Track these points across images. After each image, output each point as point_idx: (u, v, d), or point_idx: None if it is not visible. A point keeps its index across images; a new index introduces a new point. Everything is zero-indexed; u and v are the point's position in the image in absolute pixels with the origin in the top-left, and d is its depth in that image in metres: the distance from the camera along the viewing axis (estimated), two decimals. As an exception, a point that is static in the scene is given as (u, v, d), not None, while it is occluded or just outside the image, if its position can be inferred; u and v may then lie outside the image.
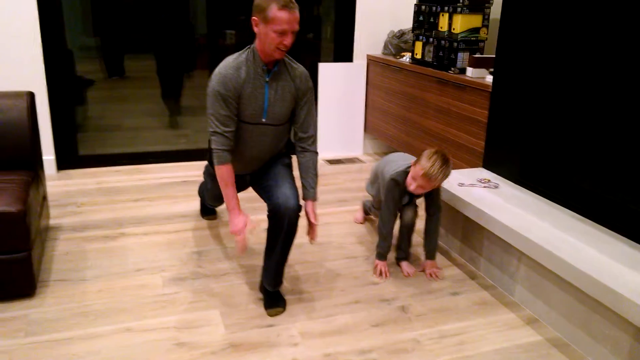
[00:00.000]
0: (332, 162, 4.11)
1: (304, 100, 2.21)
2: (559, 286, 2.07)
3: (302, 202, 2.17)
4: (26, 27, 3.33)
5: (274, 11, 1.94)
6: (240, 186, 2.44)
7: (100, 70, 6.54)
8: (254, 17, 2.04)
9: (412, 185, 2.32)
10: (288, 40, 2.00)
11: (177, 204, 3.22)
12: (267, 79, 2.11)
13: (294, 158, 2.32)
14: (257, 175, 2.32)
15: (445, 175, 2.28)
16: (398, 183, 2.39)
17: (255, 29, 2.05)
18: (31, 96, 2.59)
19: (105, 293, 2.28)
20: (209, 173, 2.53)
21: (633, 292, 1.75)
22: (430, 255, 2.51)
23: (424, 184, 2.29)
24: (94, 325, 2.06)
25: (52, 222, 2.91)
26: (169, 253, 2.63)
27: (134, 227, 2.90)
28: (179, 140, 4.67)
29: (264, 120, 2.15)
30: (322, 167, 4.00)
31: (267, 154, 2.28)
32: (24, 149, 2.52)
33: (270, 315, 2.17)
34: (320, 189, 3.57)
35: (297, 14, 1.99)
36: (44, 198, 2.70)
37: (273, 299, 2.22)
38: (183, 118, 5.12)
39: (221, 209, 3.12)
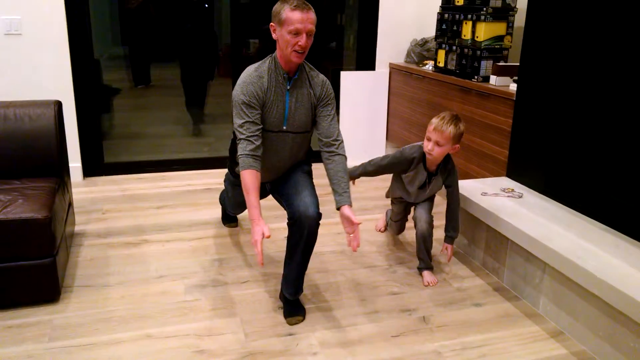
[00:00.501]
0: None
1: (326, 108, 2.20)
2: (583, 298, 2.02)
3: (338, 207, 2.14)
4: (55, 38, 3.41)
5: (287, 12, 1.98)
6: (261, 194, 2.44)
7: (126, 79, 6.69)
8: (271, 24, 2.08)
9: (428, 146, 2.33)
10: (303, 41, 2.00)
11: (199, 211, 3.24)
12: (288, 87, 2.12)
13: (319, 165, 2.30)
14: (277, 183, 2.32)
15: (456, 127, 2.29)
16: (404, 152, 2.44)
17: (274, 35, 2.08)
18: (59, 105, 2.65)
19: (127, 299, 2.31)
20: (230, 181, 2.54)
21: (662, 306, 1.70)
22: (448, 237, 2.52)
23: (437, 137, 2.28)
24: (116, 331, 2.09)
25: (77, 228, 2.96)
26: (191, 260, 2.65)
27: (156, 234, 2.93)
28: (202, 148, 4.72)
29: (284, 128, 2.16)
30: (344, 176, 3.98)
31: (288, 162, 2.28)
32: (51, 157, 2.57)
33: (290, 324, 2.17)
34: (341, 197, 3.56)
35: (311, 14, 2.01)
36: (70, 205, 2.75)
37: (293, 307, 2.21)
38: (206, 126, 5.18)
39: (242, 216, 3.14)
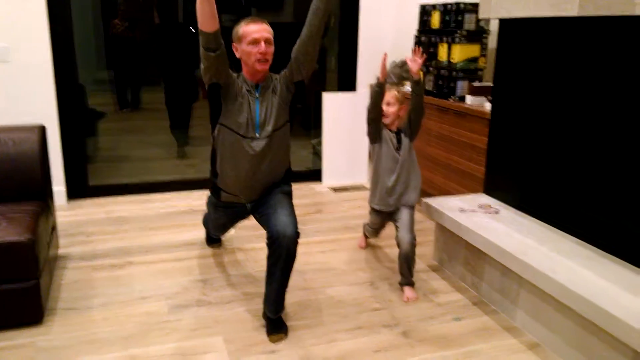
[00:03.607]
0: (337, 189, 4.16)
1: (295, 65, 2.26)
2: (557, 310, 2.08)
3: None
4: (41, 65, 3.45)
5: (243, 27, 2.19)
6: (241, 215, 2.50)
7: (112, 103, 6.73)
8: (233, 44, 2.24)
9: (386, 113, 2.57)
10: (262, 48, 2.16)
11: (183, 232, 3.27)
12: (257, 95, 2.25)
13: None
14: (257, 203, 2.37)
15: (398, 91, 2.59)
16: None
17: (237, 54, 2.24)
18: (42, 130, 2.69)
19: (111, 320, 2.32)
20: (212, 202, 2.59)
21: (630, 315, 1.76)
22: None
23: (387, 98, 2.55)
24: (100, 353, 2.10)
25: (61, 251, 2.97)
26: (174, 281, 2.68)
27: (140, 255, 2.95)
28: (187, 169, 4.76)
29: (257, 135, 2.24)
30: (327, 195, 4.05)
31: (267, 177, 2.33)
32: (35, 181, 2.60)
33: (273, 341, 2.20)
34: (324, 216, 3.61)
35: (265, 25, 2.20)
36: (54, 228, 2.77)
37: (275, 325, 2.25)
38: (191, 148, 5.22)
39: (226, 237, 3.17)
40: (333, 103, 4.16)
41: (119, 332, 2.24)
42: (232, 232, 3.24)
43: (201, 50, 2.09)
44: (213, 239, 3.07)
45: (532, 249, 2.27)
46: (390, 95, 2.59)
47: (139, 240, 3.16)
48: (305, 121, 5.29)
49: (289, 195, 2.38)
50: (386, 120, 2.60)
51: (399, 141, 2.60)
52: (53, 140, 3.58)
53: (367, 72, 4.21)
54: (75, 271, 2.76)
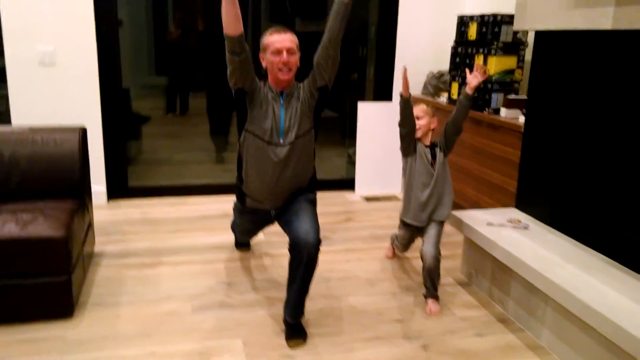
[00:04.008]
0: (369, 199, 4.15)
1: (317, 71, 2.28)
2: (582, 330, 2.01)
3: None
4: (86, 69, 3.62)
5: (267, 38, 2.26)
6: (266, 221, 2.54)
7: (159, 108, 6.93)
8: (260, 54, 2.31)
9: (418, 126, 2.55)
10: (284, 58, 2.21)
11: (213, 235, 3.34)
12: (282, 101, 2.29)
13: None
14: (281, 210, 2.40)
15: (427, 105, 2.61)
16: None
17: (263, 64, 2.30)
18: (83, 131, 2.81)
19: (136, 318, 2.40)
20: (237, 208, 2.64)
21: (656, 340, 1.69)
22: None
23: (416, 112, 2.55)
24: (123, 348, 2.17)
25: (97, 248, 3.09)
26: (200, 282, 2.73)
27: (171, 256, 3.03)
28: (223, 174, 4.85)
29: (281, 141, 2.27)
30: (358, 204, 4.05)
31: (290, 183, 2.36)
32: (74, 180, 2.72)
33: (291, 346, 2.21)
34: (353, 225, 3.61)
35: (288, 35, 2.25)
36: (90, 225, 2.88)
37: (294, 330, 2.26)
38: (229, 154, 5.32)
39: (254, 241, 3.21)
40: (368, 112, 4.17)
41: (143, 329, 2.31)
42: (261, 237, 3.28)
43: (227, 54, 2.15)
44: (242, 243, 3.12)
45: (557, 266, 2.21)
46: (419, 109, 2.58)
47: (171, 241, 3.24)
48: (343, 130, 5.31)
49: (312, 203, 2.40)
50: (418, 134, 2.58)
51: (434, 156, 2.57)
52: (96, 142, 3.74)
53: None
54: (108, 268, 2.86)
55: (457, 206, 3.53)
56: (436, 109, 2.63)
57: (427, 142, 2.59)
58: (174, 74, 6.17)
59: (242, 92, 2.25)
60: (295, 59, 2.27)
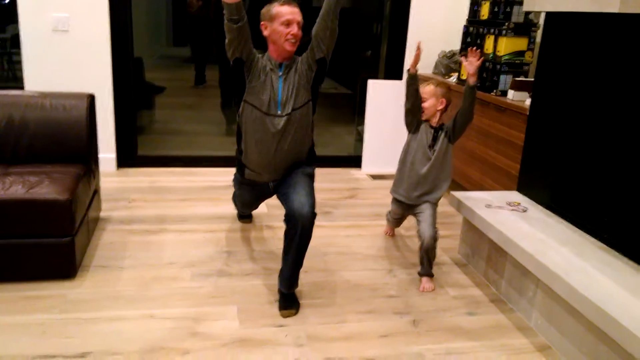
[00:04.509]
0: (375, 177, 4.17)
1: (316, 44, 2.29)
2: (570, 314, 2.03)
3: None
4: (99, 36, 3.66)
5: (277, 7, 2.26)
6: (265, 194, 2.58)
7: (176, 79, 6.96)
8: (262, 23, 2.30)
9: (423, 108, 2.53)
10: (294, 30, 2.24)
11: (218, 206, 3.40)
12: (280, 74, 2.31)
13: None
14: (279, 183, 2.44)
15: (435, 86, 2.55)
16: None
17: (265, 33, 2.31)
18: (91, 98, 2.86)
19: (137, 281, 2.47)
20: (237, 179, 2.68)
21: (639, 326, 1.71)
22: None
23: (425, 95, 2.52)
24: (122, 309, 2.25)
25: (103, 214, 3.16)
26: (201, 250, 2.80)
27: (175, 224, 3.10)
28: (232, 146, 4.87)
29: (279, 112, 2.30)
30: (365, 182, 4.07)
31: (288, 155, 2.39)
32: (81, 145, 2.78)
33: (283, 316, 2.27)
34: (356, 202, 3.64)
35: (297, 8, 2.27)
36: (96, 191, 2.95)
37: (287, 300, 2.32)
38: (239, 126, 5.36)
39: (256, 212, 3.26)
40: (378, 90, 4.16)
41: (142, 292, 2.38)
42: (264, 209, 3.33)
43: (225, 22, 2.17)
44: (243, 215, 3.17)
45: (551, 250, 2.22)
46: (426, 90, 2.55)
47: (176, 210, 3.31)
48: (354, 107, 5.31)
49: (310, 176, 2.43)
50: (424, 116, 2.56)
51: (435, 139, 2.56)
52: (106, 110, 3.80)
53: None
54: (113, 233, 2.93)
55: (461, 187, 3.53)
56: (445, 88, 2.59)
57: (435, 122, 2.57)
58: (197, 45, 6.19)
59: (240, 61, 2.27)
60: (301, 34, 2.30)
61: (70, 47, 3.64)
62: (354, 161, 4.36)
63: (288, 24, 2.24)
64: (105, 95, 3.78)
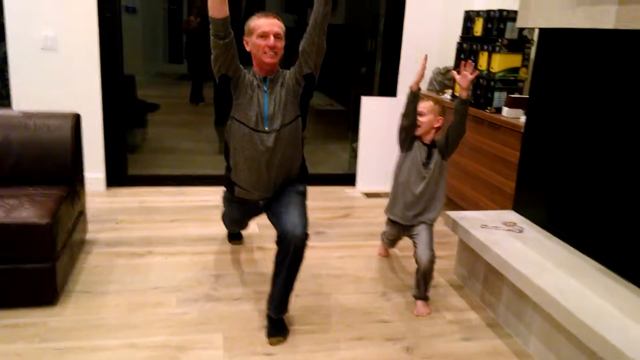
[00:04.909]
0: (369, 195, 4.10)
1: (303, 59, 2.24)
2: (568, 339, 1.95)
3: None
4: (87, 55, 3.60)
5: (254, 21, 2.24)
6: (254, 212, 2.51)
7: (170, 96, 6.91)
8: (244, 38, 2.27)
9: (419, 122, 2.46)
10: (270, 42, 2.19)
11: (208, 226, 3.32)
12: (266, 89, 2.26)
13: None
14: (270, 202, 2.37)
15: (434, 102, 2.49)
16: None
17: (247, 48, 2.27)
18: (76, 118, 2.79)
19: (121, 308, 2.38)
20: (226, 197, 2.61)
21: (638, 351, 1.63)
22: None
23: (420, 108, 2.45)
24: (104, 338, 2.16)
25: (89, 236, 3.08)
26: (189, 274, 2.71)
27: (162, 246, 3.02)
28: (224, 165, 4.81)
29: (266, 128, 2.25)
30: (359, 200, 4.00)
31: (279, 172, 2.32)
32: (65, 167, 2.70)
33: (271, 343, 2.18)
34: (350, 221, 3.57)
35: (276, 20, 2.23)
36: (81, 213, 2.87)
37: (276, 327, 2.23)
38: (232, 144, 5.29)
39: (247, 233, 3.19)
40: (372, 107, 4.11)
41: (126, 319, 2.29)
42: (255, 230, 3.25)
43: (211, 38, 2.12)
44: (234, 235, 3.09)
45: (547, 272, 2.14)
46: (424, 105, 2.49)
47: (165, 231, 3.23)
48: (349, 124, 5.26)
49: (302, 195, 2.36)
50: (418, 131, 2.50)
51: (429, 156, 2.50)
52: (96, 129, 3.73)
53: (409, 77, 4.12)
54: (98, 256, 2.85)
55: (456, 206, 3.46)
56: (441, 107, 2.53)
57: (428, 140, 2.51)
58: (189, 62, 6.15)
59: (226, 78, 2.22)
60: (281, 44, 2.25)
61: (59, 65, 3.59)
62: (348, 179, 4.30)
63: (264, 35, 2.20)
64: (95, 114, 3.72)
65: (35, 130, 2.68)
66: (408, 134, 2.49)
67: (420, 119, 2.47)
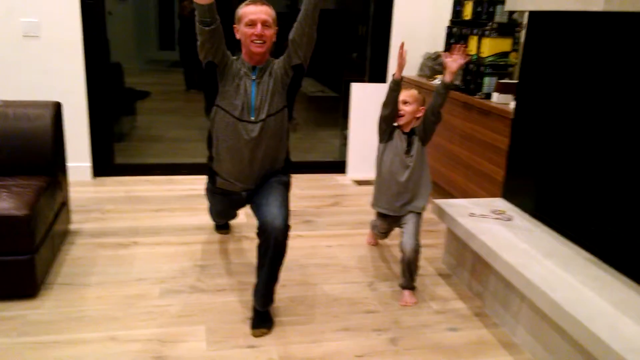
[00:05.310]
0: (360, 182, 4.06)
1: (292, 50, 2.19)
2: (556, 330, 1.92)
3: None
4: (70, 42, 3.53)
5: (243, 9, 2.22)
6: (237, 203, 2.46)
7: (162, 83, 6.82)
8: (234, 26, 2.23)
9: (403, 112, 2.41)
10: (258, 30, 2.14)
11: (195, 216, 3.27)
12: (254, 77, 2.21)
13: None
14: (253, 193, 2.32)
15: (418, 91, 2.47)
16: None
17: (237, 35, 2.23)
18: (57, 106, 2.73)
19: (103, 300, 2.34)
20: (209, 188, 2.56)
21: (628, 347, 1.59)
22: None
23: (404, 96, 2.41)
24: (84, 331, 2.12)
25: (73, 226, 3.04)
26: (173, 265, 2.67)
27: (148, 236, 2.97)
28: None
29: (252, 118, 2.20)
30: (349, 188, 3.96)
31: (263, 163, 2.28)
32: (46, 156, 2.65)
33: (255, 335, 2.15)
34: (340, 209, 3.53)
35: (264, 7, 2.17)
36: (64, 204, 2.82)
37: (260, 319, 2.20)
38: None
39: (234, 223, 3.14)
40: (362, 94, 4.05)
41: (108, 312, 2.26)
42: (243, 219, 3.21)
43: (196, 25, 2.07)
44: (222, 225, 3.05)
45: (535, 262, 2.11)
46: (409, 93, 2.44)
47: (150, 221, 3.18)
48: (340, 111, 5.20)
49: (284, 185, 2.31)
50: (401, 121, 2.45)
51: (410, 144, 2.45)
52: (81, 117, 3.67)
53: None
54: (82, 247, 2.81)
55: (446, 193, 3.42)
56: (423, 96, 2.48)
57: (407, 129, 2.47)
58: (182, 49, 6.06)
59: (212, 65, 2.16)
60: (270, 32, 2.19)
61: (41, 53, 3.51)
62: (339, 166, 4.25)
63: (252, 24, 2.14)
64: (79, 103, 3.65)
65: (15, 120, 2.63)
66: (389, 124, 2.44)
67: (405, 108, 2.42)
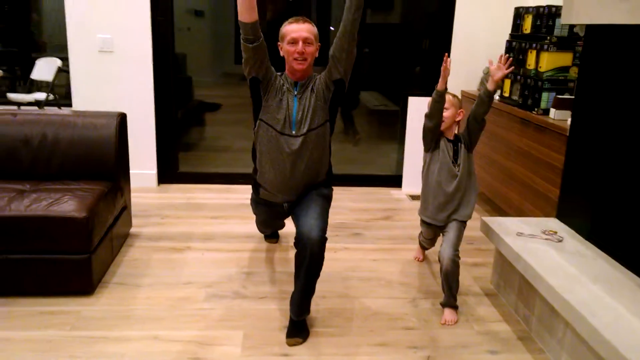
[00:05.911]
0: (414, 197, 4.01)
1: (333, 64, 2.22)
2: (596, 358, 1.81)
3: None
4: (141, 57, 3.77)
5: (285, 27, 2.26)
6: (280, 214, 2.52)
7: (234, 95, 7.08)
8: (278, 44, 2.29)
9: (443, 118, 2.39)
10: (299, 48, 2.19)
11: (247, 224, 3.37)
12: (296, 93, 2.27)
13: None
14: (294, 204, 2.37)
15: (453, 96, 2.44)
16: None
17: (281, 53, 2.28)
18: (122, 116, 2.92)
19: (151, 300, 2.47)
20: (253, 199, 2.63)
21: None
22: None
23: (446, 105, 2.38)
24: (130, 329, 2.24)
25: (133, 230, 3.22)
26: (221, 270, 2.77)
27: (200, 242, 3.10)
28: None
29: (293, 132, 2.24)
30: (403, 203, 3.92)
31: (304, 176, 2.32)
32: (109, 163, 2.83)
33: (289, 344, 2.18)
34: (391, 223, 3.50)
35: (305, 25, 2.22)
36: (125, 208, 3.00)
37: (295, 328, 2.23)
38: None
39: (283, 232, 3.20)
40: (419, 108, 4.00)
41: (154, 312, 2.37)
42: (292, 229, 3.26)
43: (241, 42, 2.15)
44: (270, 235, 3.12)
45: (581, 286, 2.00)
46: (446, 99, 2.42)
47: (205, 227, 3.31)
48: (400, 124, 5.17)
49: (325, 198, 2.34)
50: (442, 126, 2.44)
51: (456, 152, 2.43)
52: (148, 128, 3.90)
53: (460, 77, 3.99)
54: (139, 250, 2.97)
55: (501, 211, 3.32)
56: (460, 100, 2.48)
57: (451, 135, 2.45)
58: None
59: (256, 80, 2.24)
60: (311, 49, 2.24)
61: (115, 67, 3.77)
62: (395, 180, 4.23)
63: (294, 42, 2.20)
64: (148, 114, 3.88)
65: (82, 129, 2.83)
66: (434, 134, 2.42)
67: (444, 114, 2.42)
